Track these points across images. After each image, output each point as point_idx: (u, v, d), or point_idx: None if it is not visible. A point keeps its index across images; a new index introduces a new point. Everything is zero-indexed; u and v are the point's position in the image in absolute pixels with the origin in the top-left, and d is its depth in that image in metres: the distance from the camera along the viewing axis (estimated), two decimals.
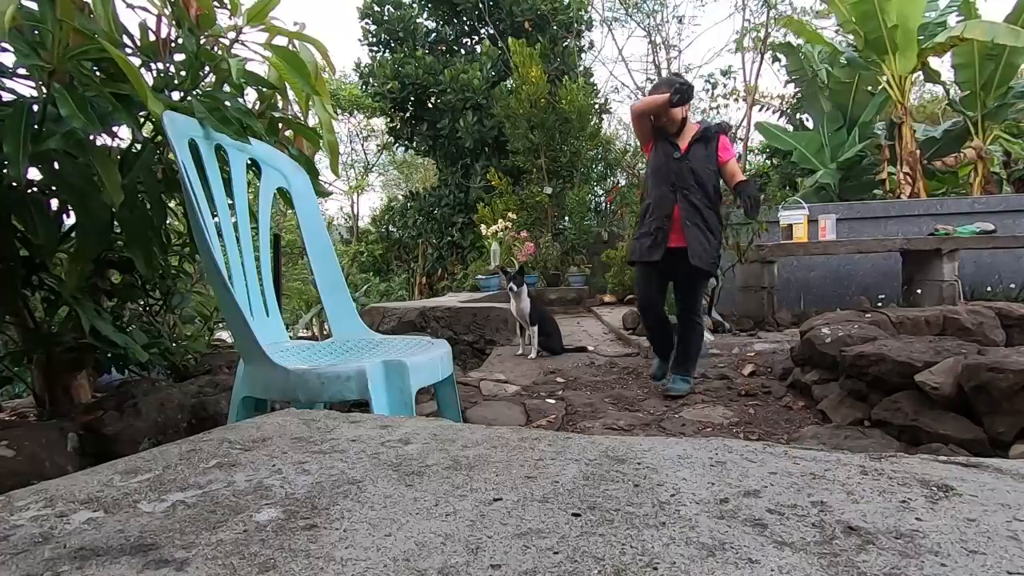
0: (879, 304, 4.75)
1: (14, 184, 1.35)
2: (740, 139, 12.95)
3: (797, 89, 10.61)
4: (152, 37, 1.53)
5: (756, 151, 13.27)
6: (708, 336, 4.29)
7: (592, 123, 8.94)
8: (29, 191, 1.42)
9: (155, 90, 1.59)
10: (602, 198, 10.13)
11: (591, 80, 10.54)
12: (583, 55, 10.86)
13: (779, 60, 11.51)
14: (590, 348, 4.23)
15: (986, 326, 2.82)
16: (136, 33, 1.55)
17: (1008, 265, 5.41)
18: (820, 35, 9.00)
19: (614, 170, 10.45)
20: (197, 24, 1.57)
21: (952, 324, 2.86)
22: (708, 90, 12.24)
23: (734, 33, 12.98)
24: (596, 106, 9.87)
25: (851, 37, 8.15)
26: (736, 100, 12.39)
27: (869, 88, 9.37)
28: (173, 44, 1.55)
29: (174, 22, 1.51)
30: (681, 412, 2.55)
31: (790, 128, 11.14)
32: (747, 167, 12.53)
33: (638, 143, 2.69)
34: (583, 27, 10.73)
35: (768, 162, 12.03)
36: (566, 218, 8.82)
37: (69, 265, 1.61)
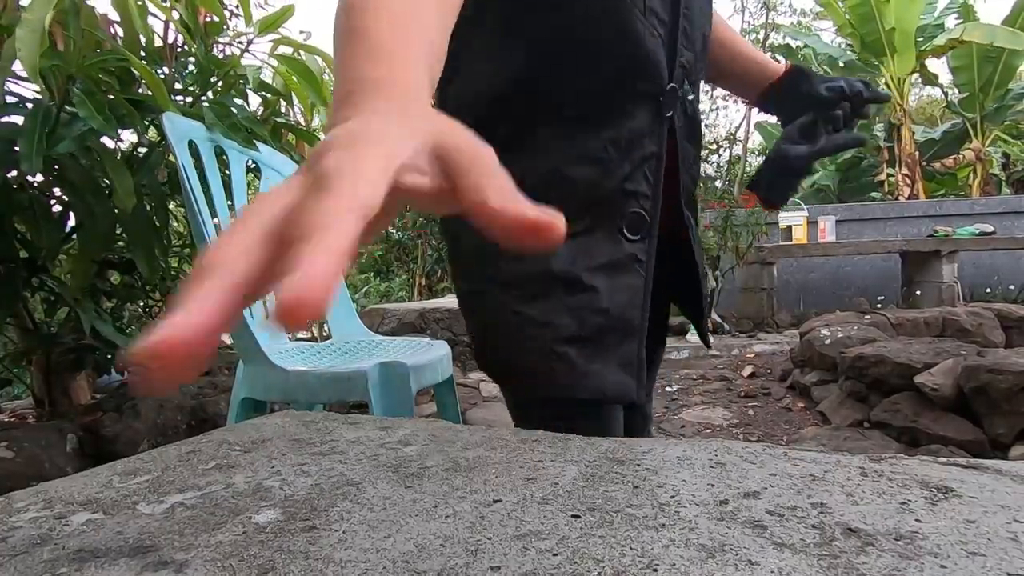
0: (878, 306, 4.76)
1: (15, 186, 1.35)
2: (739, 140, 12.98)
3: None
4: (158, 42, 1.54)
5: (756, 152, 13.28)
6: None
7: None
8: (31, 191, 1.43)
9: None
10: None
11: None
12: None
13: (778, 61, 11.53)
14: None
15: (985, 327, 2.82)
16: (142, 38, 1.55)
17: (1007, 266, 5.42)
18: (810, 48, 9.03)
19: None
20: (206, 31, 1.58)
21: (951, 325, 2.86)
22: (708, 92, 12.26)
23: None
24: None
25: (849, 40, 8.17)
26: (736, 101, 12.41)
27: None
28: (179, 49, 1.55)
29: (182, 28, 1.52)
30: (680, 414, 2.55)
31: None
32: (747, 168, 12.55)
33: None
34: None
35: None
36: None
37: (71, 266, 1.62)
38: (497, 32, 0.61)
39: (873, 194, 9.34)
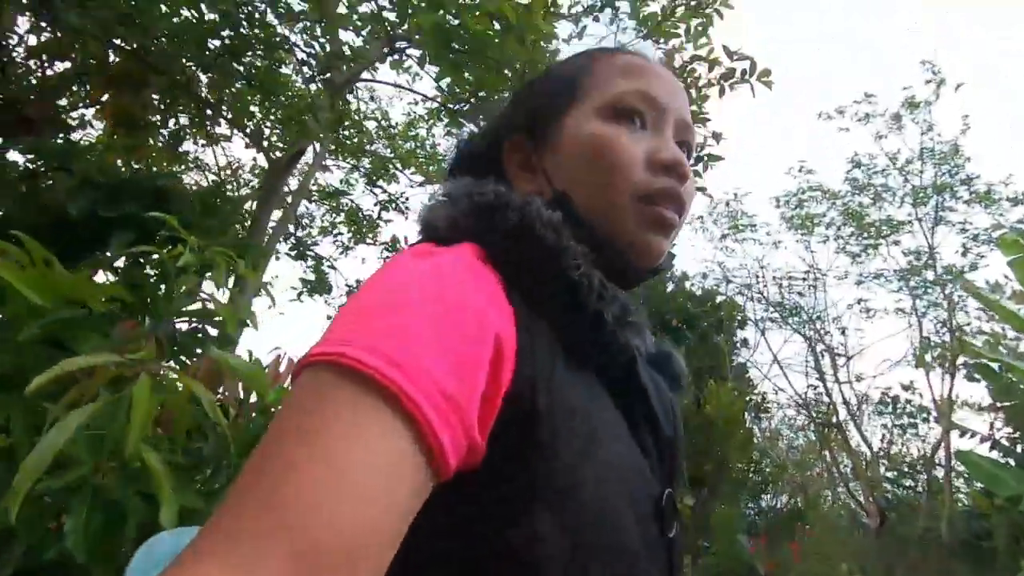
0: None
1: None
2: (941, 465, 10.71)
3: (1007, 417, 8.87)
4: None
5: (962, 477, 10.72)
6: None
7: (742, 431, 8.14)
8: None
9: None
10: (755, 518, 8.58)
11: (746, 375, 9.98)
12: (736, 354, 10.55)
13: (976, 380, 10.02)
14: None
15: None
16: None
17: None
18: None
19: (773, 487, 9.00)
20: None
21: None
22: (889, 404, 10.81)
23: (911, 345, 11.79)
24: (748, 412, 9.14)
25: None
26: (926, 421, 10.64)
27: None
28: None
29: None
30: None
31: (1011, 463, 9.00)
32: (958, 505, 9.99)
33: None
34: (736, 325, 10.64)
35: (988, 500, 9.51)
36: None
37: None
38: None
39: None
